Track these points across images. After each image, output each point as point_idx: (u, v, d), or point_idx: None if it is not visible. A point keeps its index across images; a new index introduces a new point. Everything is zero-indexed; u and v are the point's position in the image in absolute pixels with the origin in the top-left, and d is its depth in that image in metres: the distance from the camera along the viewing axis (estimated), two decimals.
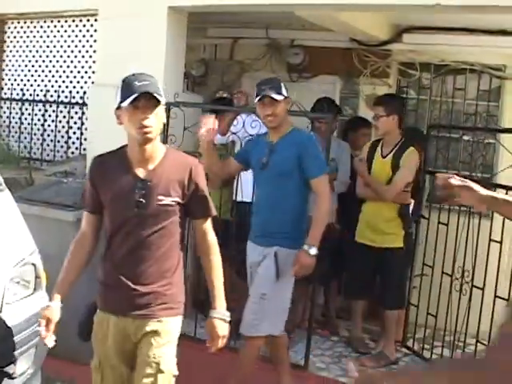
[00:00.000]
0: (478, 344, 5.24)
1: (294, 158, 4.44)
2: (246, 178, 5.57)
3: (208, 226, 3.41)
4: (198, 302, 6.40)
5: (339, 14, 5.92)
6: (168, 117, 5.76)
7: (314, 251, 4.34)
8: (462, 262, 5.40)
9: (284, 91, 4.53)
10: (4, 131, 7.33)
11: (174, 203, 3.22)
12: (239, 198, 5.78)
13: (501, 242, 4.99)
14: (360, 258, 5.78)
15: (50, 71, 7.06)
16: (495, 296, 5.04)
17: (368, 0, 5.06)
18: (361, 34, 6.73)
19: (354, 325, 6.13)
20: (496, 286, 5.06)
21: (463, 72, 6.87)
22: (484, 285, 5.20)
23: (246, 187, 5.65)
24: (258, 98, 4.48)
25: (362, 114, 7.10)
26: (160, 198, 3.19)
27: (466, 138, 6.67)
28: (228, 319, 3.42)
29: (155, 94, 3.08)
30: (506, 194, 3.59)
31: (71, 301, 4.93)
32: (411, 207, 5.84)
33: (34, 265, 4.09)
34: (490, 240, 5.13)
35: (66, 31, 6.91)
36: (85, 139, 6.66)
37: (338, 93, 7.31)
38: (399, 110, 5.68)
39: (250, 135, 5.53)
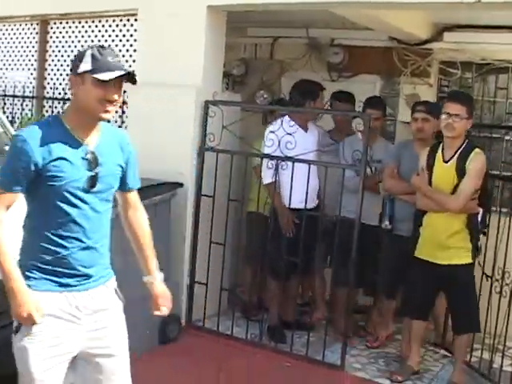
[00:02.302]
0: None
1: None
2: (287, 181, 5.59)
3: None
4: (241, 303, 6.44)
5: (378, 12, 5.87)
6: (206, 115, 5.81)
7: None
8: (503, 263, 5.31)
9: None
10: None
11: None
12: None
13: None
14: (421, 275, 5.14)
15: None
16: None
17: None
18: (401, 32, 6.66)
19: (404, 344, 5.61)
20: None
21: (505, 71, 6.77)
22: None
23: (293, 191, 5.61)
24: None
25: (401, 113, 7.03)
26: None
27: (507, 137, 6.57)
28: None
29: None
30: None
31: None
32: (480, 214, 5.14)
33: None
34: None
35: (106, 31, 6.97)
36: None
37: (378, 92, 7.25)
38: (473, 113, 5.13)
39: (288, 133, 5.55)
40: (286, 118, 5.78)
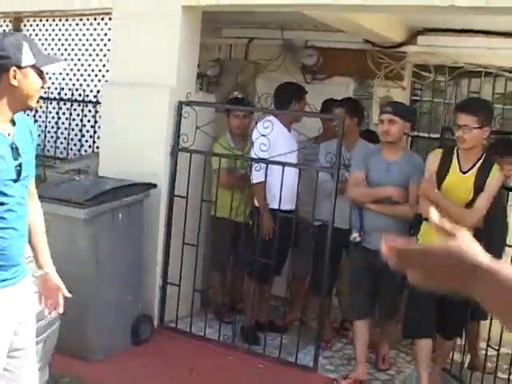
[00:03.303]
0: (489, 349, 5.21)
1: None
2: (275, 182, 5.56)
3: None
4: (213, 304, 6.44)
5: (352, 15, 5.90)
6: (180, 116, 5.80)
7: None
8: None
9: None
10: None
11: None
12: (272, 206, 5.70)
13: None
14: (422, 292, 4.98)
15: (64, 69, 7.06)
16: None
17: (380, 1, 5.01)
18: (374, 35, 6.71)
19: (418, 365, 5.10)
20: None
21: (478, 75, 6.84)
22: None
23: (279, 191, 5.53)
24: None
25: (375, 115, 7.07)
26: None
27: None
28: None
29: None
30: None
31: (79, 298, 4.99)
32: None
33: None
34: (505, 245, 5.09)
35: (80, 30, 6.93)
36: (98, 137, 6.67)
37: (351, 94, 7.27)
38: (491, 122, 4.75)
39: (263, 135, 5.55)
40: (273, 119, 5.78)
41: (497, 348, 5.04)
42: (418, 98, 7.27)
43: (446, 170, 4.73)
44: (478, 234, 4.30)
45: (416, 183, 4.91)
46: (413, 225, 4.97)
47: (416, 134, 7.05)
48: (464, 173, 4.69)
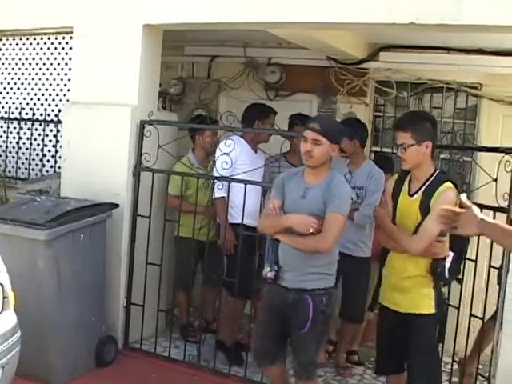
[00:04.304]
0: (454, 363, 5.21)
1: None
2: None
3: None
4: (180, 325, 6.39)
5: (314, 32, 5.91)
6: (142, 135, 5.76)
7: None
8: None
9: None
10: None
11: None
12: (236, 221, 5.65)
13: (475, 261, 4.95)
14: (386, 325, 4.46)
15: (25, 89, 7.00)
16: (470, 315, 5.00)
17: (343, 18, 5.02)
18: (337, 52, 6.74)
19: None
20: (471, 305, 5.02)
21: (440, 90, 6.89)
22: (459, 304, 5.16)
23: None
24: None
25: None
26: None
27: (442, 156, 6.66)
28: None
29: None
30: (481, 211, 3.58)
31: (40, 320, 4.92)
32: (449, 260, 4.25)
33: (1, 285, 4.01)
34: (465, 259, 5.08)
35: (41, 49, 6.85)
36: (59, 157, 6.59)
37: (314, 111, 7.29)
38: (433, 135, 4.30)
39: (224, 153, 5.53)
40: (237, 137, 5.79)
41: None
42: (380, 114, 7.31)
43: (398, 194, 4.35)
44: (436, 266, 4.19)
45: (334, 212, 4.19)
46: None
47: (379, 149, 7.10)
48: (411, 195, 4.27)
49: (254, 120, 5.95)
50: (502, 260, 4.70)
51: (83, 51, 6.12)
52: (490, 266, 4.85)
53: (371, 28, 5.51)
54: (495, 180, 4.78)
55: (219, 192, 5.66)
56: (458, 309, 5.12)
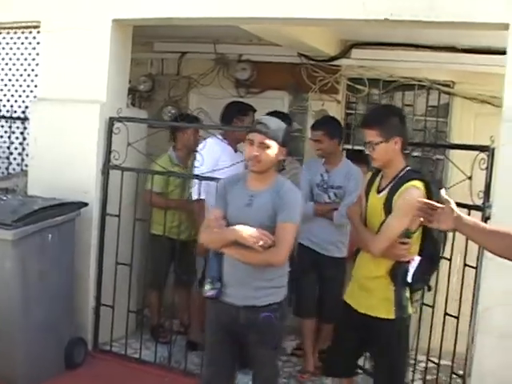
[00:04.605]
0: (429, 362, 5.18)
1: None
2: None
3: None
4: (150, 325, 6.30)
5: (286, 28, 5.85)
6: (111, 132, 5.65)
7: None
8: None
9: None
10: None
11: None
12: None
13: (450, 260, 4.92)
14: (345, 324, 4.33)
15: None
16: (445, 314, 4.97)
17: (317, 14, 4.96)
18: (309, 49, 6.68)
19: None
20: (446, 304, 4.99)
21: (412, 88, 6.87)
22: (434, 303, 5.12)
23: None
24: None
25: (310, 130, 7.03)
26: None
27: (415, 154, 6.63)
28: None
29: None
30: None
31: (5, 324, 4.81)
32: (414, 265, 4.03)
33: None
34: (440, 257, 5.04)
35: (7, 43, 6.69)
36: (26, 155, 6.45)
37: (286, 108, 7.23)
38: (401, 130, 4.11)
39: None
40: (219, 136, 5.77)
41: (436, 362, 5.02)
42: (352, 112, 7.27)
43: (370, 191, 4.21)
44: (397, 269, 3.99)
45: (286, 221, 3.87)
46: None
47: (351, 147, 7.06)
48: (379, 193, 4.11)
49: (232, 118, 5.87)
50: (478, 258, 4.67)
51: (51, 46, 5.99)
52: (465, 265, 4.82)
53: (346, 24, 5.44)
54: (470, 178, 4.75)
55: (196, 193, 5.57)
56: (433, 308, 5.09)
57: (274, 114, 6.16)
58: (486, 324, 4.58)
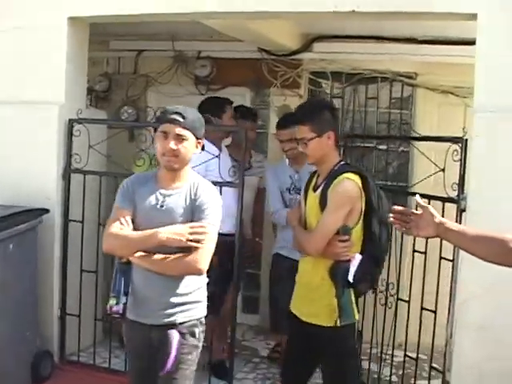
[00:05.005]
0: (406, 357, 5.11)
1: None
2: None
3: None
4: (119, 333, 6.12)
5: (247, 22, 5.72)
6: (71, 134, 5.47)
7: None
8: (386, 274, 5.22)
9: None
10: None
11: None
12: None
13: (425, 253, 4.85)
14: (291, 335, 4.16)
15: None
16: (421, 308, 4.91)
17: (284, 8, 4.85)
18: (270, 43, 6.57)
19: None
20: (422, 298, 4.92)
21: (375, 80, 6.80)
22: (410, 297, 5.05)
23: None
24: None
25: (273, 125, 6.90)
26: None
27: (380, 147, 6.59)
28: None
29: None
30: (429, 203, 3.46)
31: None
32: (355, 263, 3.81)
33: None
34: (414, 251, 4.99)
35: None
36: None
37: (248, 104, 7.10)
38: (333, 123, 3.99)
39: None
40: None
41: (414, 357, 4.96)
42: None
43: (307, 192, 4.05)
44: (336, 269, 3.78)
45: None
46: None
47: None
48: (315, 190, 3.94)
49: (208, 118, 5.67)
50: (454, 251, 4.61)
51: (4, 46, 5.76)
52: (441, 258, 4.75)
53: (310, 17, 5.35)
54: (443, 170, 4.69)
55: None
56: (409, 302, 5.03)
57: (240, 108, 6.09)
58: (463, 317, 4.56)
